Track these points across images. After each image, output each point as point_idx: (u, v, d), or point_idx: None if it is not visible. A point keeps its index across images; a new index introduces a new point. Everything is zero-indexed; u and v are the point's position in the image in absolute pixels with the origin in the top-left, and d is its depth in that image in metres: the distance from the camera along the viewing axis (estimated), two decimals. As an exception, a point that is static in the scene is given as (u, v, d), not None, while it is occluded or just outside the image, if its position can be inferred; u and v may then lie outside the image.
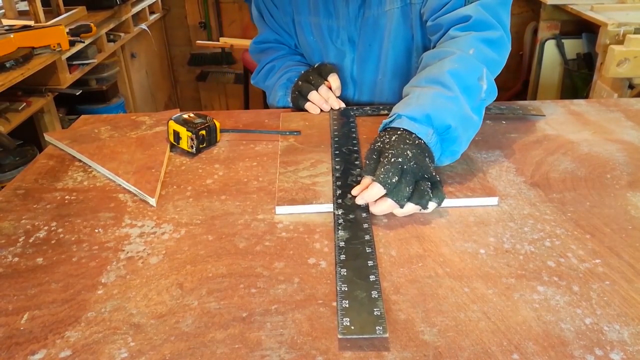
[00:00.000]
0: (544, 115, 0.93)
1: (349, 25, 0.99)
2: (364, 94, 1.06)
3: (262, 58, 1.14)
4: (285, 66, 1.07)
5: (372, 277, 0.54)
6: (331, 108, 0.97)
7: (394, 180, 0.62)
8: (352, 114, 0.95)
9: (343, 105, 0.98)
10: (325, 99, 0.96)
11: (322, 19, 1.01)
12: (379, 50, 1.00)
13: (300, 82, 0.98)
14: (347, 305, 0.50)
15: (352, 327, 0.48)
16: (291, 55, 1.12)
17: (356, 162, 0.76)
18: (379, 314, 0.49)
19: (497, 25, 0.81)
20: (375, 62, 1.01)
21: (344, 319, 0.49)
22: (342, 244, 0.59)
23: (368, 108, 0.97)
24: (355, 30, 1.00)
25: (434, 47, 0.86)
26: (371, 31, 0.98)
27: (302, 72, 1.01)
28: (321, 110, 0.97)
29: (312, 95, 0.96)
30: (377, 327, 0.47)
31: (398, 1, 0.94)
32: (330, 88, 0.98)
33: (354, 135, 0.86)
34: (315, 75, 0.98)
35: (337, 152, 0.80)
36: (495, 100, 0.93)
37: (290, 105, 1.01)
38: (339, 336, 0.47)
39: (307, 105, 0.97)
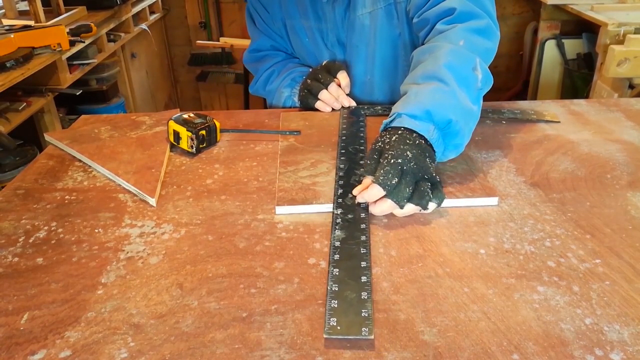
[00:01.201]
0: (559, 122, 0.92)
1: (336, 27, 1.00)
2: (355, 95, 1.06)
3: (260, 66, 1.13)
4: (287, 69, 1.07)
5: (363, 278, 0.54)
6: (342, 106, 0.97)
7: (393, 182, 0.62)
8: (362, 113, 0.94)
9: (353, 103, 0.97)
10: (335, 97, 0.96)
11: (312, 23, 1.01)
12: (365, 51, 1.00)
13: (309, 81, 0.97)
14: (335, 306, 0.50)
15: (339, 328, 0.48)
16: (289, 59, 1.12)
17: (361, 162, 0.76)
18: (366, 315, 0.49)
19: (483, 14, 0.81)
20: (363, 62, 1.02)
21: (331, 319, 0.49)
22: (337, 243, 0.59)
23: (379, 107, 0.96)
24: (343, 32, 1.00)
25: (422, 43, 0.86)
26: (357, 33, 0.98)
27: (307, 71, 1.01)
28: (332, 109, 0.96)
29: (323, 94, 0.96)
30: (363, 329, 0.47)
31: (381, 1, 0.94)
32: (339, 85, 0.97)
33: (362, 134, 0.85)
34: (324, 73, 0.97)
35: (343, 151, 0.79)
36: (495, 101, 0.93)
37: (298, 104, 1.01)
38: (325, 336, 0.47)
39: (318, 104, 0.96)
